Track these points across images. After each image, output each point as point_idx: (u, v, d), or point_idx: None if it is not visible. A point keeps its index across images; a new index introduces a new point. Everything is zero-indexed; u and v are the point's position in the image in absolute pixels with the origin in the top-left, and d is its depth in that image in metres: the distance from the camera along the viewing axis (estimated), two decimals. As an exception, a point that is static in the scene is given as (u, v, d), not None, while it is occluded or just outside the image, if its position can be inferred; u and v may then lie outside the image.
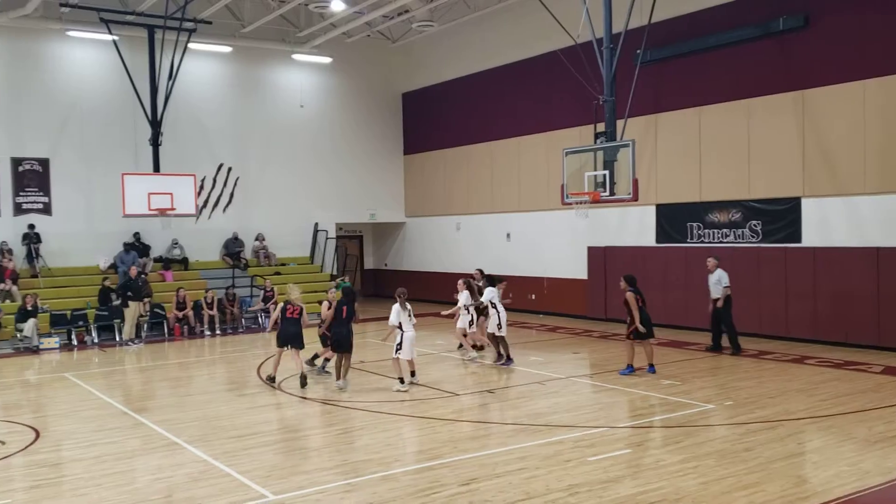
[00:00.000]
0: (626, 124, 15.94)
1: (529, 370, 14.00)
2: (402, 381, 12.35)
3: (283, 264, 24.46)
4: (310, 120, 25.59)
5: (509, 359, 14.38)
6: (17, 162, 21.01)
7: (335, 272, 26.16)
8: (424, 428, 10.17)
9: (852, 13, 15.37)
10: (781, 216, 16.65)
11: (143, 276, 20.16)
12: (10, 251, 20.19)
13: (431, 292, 23.92)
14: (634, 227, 19.67)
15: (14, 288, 19.32)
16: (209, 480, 8.02)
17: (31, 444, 9.62)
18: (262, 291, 21.45)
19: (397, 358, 12.47)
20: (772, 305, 16.63)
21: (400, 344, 12.39)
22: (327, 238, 25.90)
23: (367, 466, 8.38)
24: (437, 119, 26.02)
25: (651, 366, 13.29)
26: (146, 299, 19.43)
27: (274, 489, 7.64)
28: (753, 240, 17.13)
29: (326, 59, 25.16)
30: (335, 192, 26.09)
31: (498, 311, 14.31)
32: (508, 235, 23.39)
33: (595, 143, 15.76)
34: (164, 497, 7.59)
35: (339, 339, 12.44)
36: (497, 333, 14.36)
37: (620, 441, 9.28)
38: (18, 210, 21.02)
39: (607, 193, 15.13)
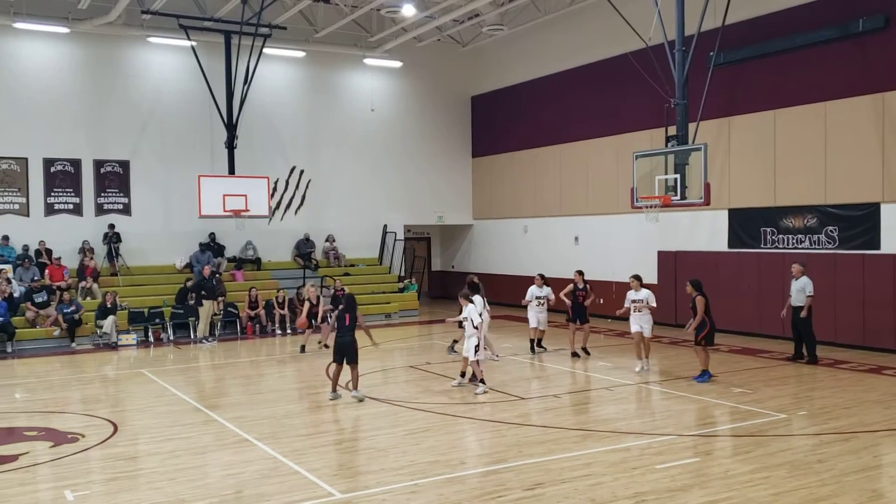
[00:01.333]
0: (697, 127, 15.63)
1: (598, 375, 13.86)
2: (483, 382, 12.32)
3: (353, 265, 24.82)
4: (380, 123, 25.91)
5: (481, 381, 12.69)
6: (99, 164, 21.90)
7: (403, 273, 26.43)
8: (490, 431, 10.18)
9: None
10: (859, 222, 16.06)
11: (216, 275, 20.73)
12: (91, 250, 21.05)
13: (499, 295, 23.88)
14: (706, 232, 19.26)
15: (95, 286, 20.13)
16: (278, 477, 8.21)
17: (109, 437, 10.02)
18: (332, 291, 21.77)
19: (476, 361, 12.37)
20: (849, 314, 16.04)
21: (478, 345, 12.35)
22: (395, 240, 26.16)
23: (433, 468, 8.44)
24: (506, 122, 25.99)
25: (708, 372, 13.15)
26: (220, 298, 19.97)
27: (341, 488, 7.77)
28: (830, 246, 16.57)
29: (397, 63, 25.43)
30: (404, 195, 26.34)
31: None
32: (577, 239, 23.20)
33: (666, 146, 15.50)
34: (234, 493, 7.80)
35: (341, 349, 11.71)
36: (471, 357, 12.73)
37: (689, 449, 9.11)
38: (100, 210, 21.91)
39: (678, 197, 14.86)
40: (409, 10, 20.67)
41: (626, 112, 21.10)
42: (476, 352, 12.34)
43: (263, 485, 7.97)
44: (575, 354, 15.52)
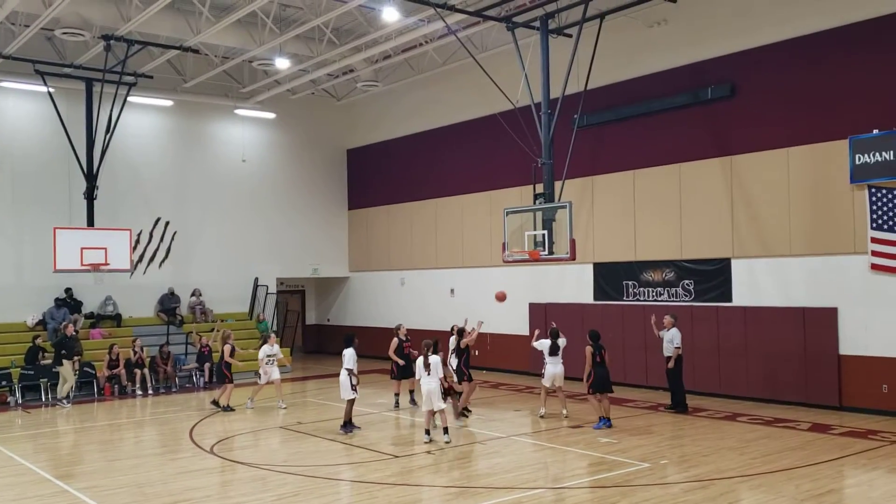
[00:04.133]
0: (563, 185, 16.34)
1: (471, 429, 13.95)
2: (427, 432, 12.71)
3: (221, 320, 23.99)
4: (252, 174, 25.48)
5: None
6: (-58, 214, 20.33)
7: (275, 328, 25.82)
8: (362, 493, 9.99)
9: (776, 84, 16.18)
10: (713, 276, 17.16)
11: (75, 332, 19.49)
12: (-69, 307, 19.36)
13: (375, 348, 23.71)
14: (573, 285, 20.00)
15: (-66, 345, 18.50)
16: (136, 553, 7.72)
17: (-54, 515, 9.15)
18: (198, 348, 20.98)
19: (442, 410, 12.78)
20: (705, 363, 17.01)
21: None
22: (267, 293, 25.58)
23: (303, 535, 8.19)
24: (382, 175, 26.21)
25: (607, 419, 13.77)
26: (76, 357, 18.78)
27: (204, 562, 7.40)
28: (686, 298, 17.58)
29: (270, 115, 25.21)
30: (277, 247, 25.90)
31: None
32: (452, 291, 23.50)
33: (534, 203, 16.10)
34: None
35: None
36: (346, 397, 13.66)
37: (559, 503, 9.29)
38: (-58, 264, 20.26)
39: (546, 252, 15.42)
40: (282, 64, 20.62)
41: (497, 169, 21.78)
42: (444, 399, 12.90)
43: (119, 563, 7.47)
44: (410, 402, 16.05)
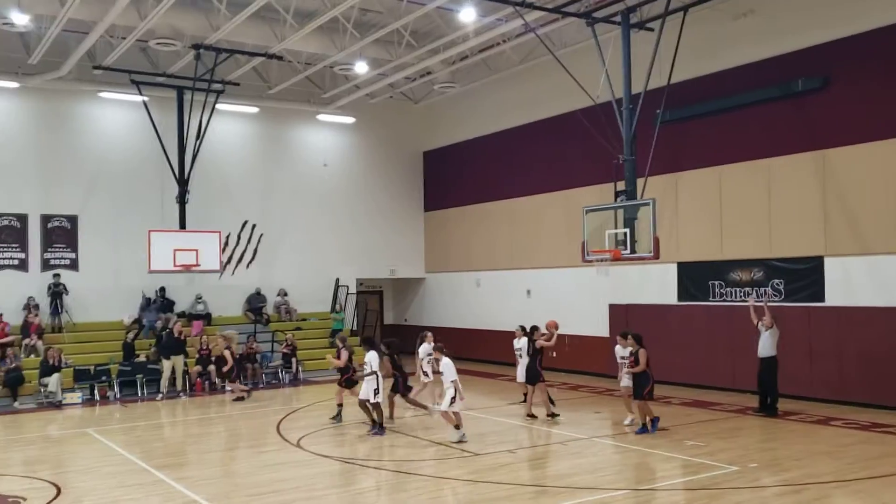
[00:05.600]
0: (646, 183, 16.06)
1: (551, 430, 13.86)
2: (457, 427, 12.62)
3: (304, 319, 24.57)
4: (333, 178, 26.01)
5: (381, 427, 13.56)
6: (46, 219, 21.48)
7: (355, 327, 26.26)
8: (443, 489, 10.06)
9: (872, 73, 15.50)
10: (804, 275, 16.55)
11: (167, 330, 20.25)
12: (36, 306, 20.48)
13: (452, 348, 23.79)
14: (656, 285, 19.61)
15: (39, 343, 19.54)
16: (228, 540, 7.99)
17: (52, 500, 9.64)
18: (284, 345, 21.57)
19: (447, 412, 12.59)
20: (795, 365, 16.39)
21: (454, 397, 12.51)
22: (348, 293, 26.05)
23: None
24: (458, 177, 26.33)
25: (650, 424, 13.27)
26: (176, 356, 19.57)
27: (293, 550, 7.59)
28: (776, 299, 17.00)
29: (350, 119, 25.69)
30: (356, 249, 26.33)
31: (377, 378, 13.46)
32: (529, 292, 23.39)
33: (615, 201, 15.88)
34: (183, 557, 7.56)
35: None
36: (372, 400, 13.37)
37: (643, 504, 9.15)
38: (46, 266, 21.39)
39: (628, 251, 15.18)
40: (361, 68, 20.98)
41: (576, 167, 21.58)
42: (451, 403, 12.49)
43: (213, 549, 7.75)
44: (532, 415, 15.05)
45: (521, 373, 15.13)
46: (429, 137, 27.66)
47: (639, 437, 12.90)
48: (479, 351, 24.23)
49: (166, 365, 18.95)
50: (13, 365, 18.15)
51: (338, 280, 25.79)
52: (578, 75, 17.22)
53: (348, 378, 14.98)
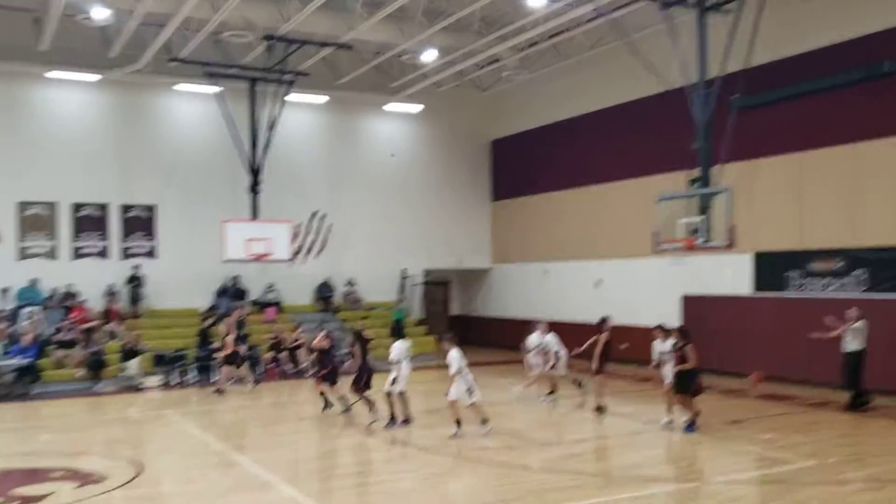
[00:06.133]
0: (721, 170, 15.62)
1: (622, 421, 13.65)
2: (458, 423, 12.13)
3: (371, 308, 24.79)
4: (400, 167, 26.15)
5: (405, 421, 13.07)
6: (125, 208, 22.21)
7: (421, 318, 26.39)
8: (508, 476, 9.99)
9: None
10: (891, 264, 15.82)
11: (241, 318, 20.65)
12: (116, 293, 21.25)
13: (519, 339, 23.72)
14: (730, 276, 19.08)
15: (119, 328, 20.25)
16: (301, 520, 8.12)
17: (133, 479, 9.96)
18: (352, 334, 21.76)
19: (453, 402, 12.19)
20: (881, 359, 15.69)
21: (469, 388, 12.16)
22: (414, 284, 26.17)
23: (457, 512, 8.31)
24: (526, 166, 26.13)
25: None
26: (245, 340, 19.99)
27: (364, 531, 7.67)
28: (860, 290, 16.33)
29: (417, 108, 25.75)
30: (423, 239, 26.42)
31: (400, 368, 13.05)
32: (597, 282, 23.08)
33: (689, 189, 15.50)
34: (258, 535, 7.72)
35: None
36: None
37: (716, 496, 8.91)
38: (125, 254, 22.14)
39: (702, 241, 14.81)
40: (430, 56, 20.98)
41: (648, 155, 21.13)
42: (469, 394, 12.13)
43: (287, 528, 7.89)
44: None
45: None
46: (497, 126, 27.51)
47: (711, 430, 12.57)
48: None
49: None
50: (96, 348, 18.86)
51: (404, 270, 25.95)
52: (651, 60, 16.85)
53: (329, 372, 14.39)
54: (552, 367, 15.33)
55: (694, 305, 19.80)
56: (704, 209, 14.87)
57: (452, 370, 12.15)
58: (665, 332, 13.41)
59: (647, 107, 19.59)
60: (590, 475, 10.02)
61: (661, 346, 13.41)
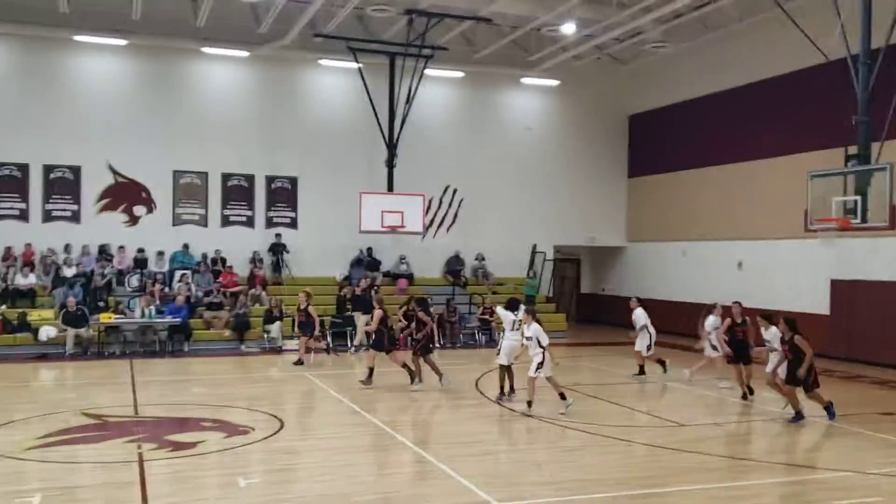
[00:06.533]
0: (882, 146, 14.51)
1: (765, 407, 13.04)
2: (529, 404, 11.86)
3: (500, 284, 24.82)
4: (534, 142, 25.93)
5: (511, 391, 12.89)
6: (270, 180, 23.26)
7: (551, 294, 26.19)
8: (648, 455, 9.79)
9: None
10: None
11: (374, 289, 21.26)
12: (261, 260, 22.37)
13: (654, 320, 23.08)
14: (887, 260, 17.77)
15: (263, 293, 21.28)
16: (434, 480, 8.28)
17: (276, 432, 10.47)
18: (480, 310, 21.93)
19: (534, 378, 11.90)
20: None
21: (541, 363, 11.85)
22: (545, 260, 25.98)
23: (591, 486, 8.21)
24: (666, 141, 25.26)
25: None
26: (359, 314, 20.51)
27: (498, 496, 7.70)
28: None
29: (554, 83, 25.42)
30: (555, 215, 26.15)
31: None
32: (740, 264, 22.09)
33: (846, 166, 14.51)
34: (394, 491, 7.93)
35: None
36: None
37: (871, 488, 8.36)
38: (269, 223, 23.23)
39: (858, 221, 13.84)
40: (569, 29, 20.61)
41: (799, 131, 19.91)
42: (537, 369, 11.81)
43: (420, 486, 8.08)
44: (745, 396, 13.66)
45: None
46: (636, 100, 26.72)
47: (860, 420, 11.80)
48: (683, 324, 23.22)
49: (360, 320, 19.66)
50: (241, 311, 19.92)
51: (534, 246, 25.81)
52: (808, 29, 15.82)
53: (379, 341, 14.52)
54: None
55: (843, 290, 18.64)
56: (862, 187, 13.86)
57: (545, 343, 11.88)
58: (768, 320, 12.55)
59: (800, 80, 18.43)
60: (732, 457, 9.65)
61: (767, 335, 12.56)
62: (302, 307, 17.28)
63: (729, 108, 22.59)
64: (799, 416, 11.60)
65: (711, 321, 14.74)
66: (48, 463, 8.84)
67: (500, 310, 13.55)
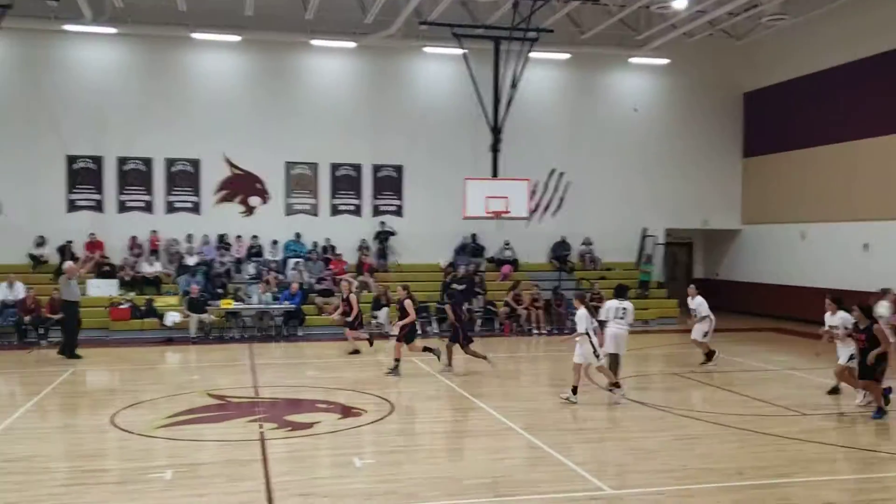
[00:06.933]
0: None
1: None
2: (574, 391, 11.47)
3: (609, 269, 24.37)
4: (642, 123, 25.25)
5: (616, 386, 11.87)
6: (376, 168, 23.65)
7: (663, 279, 25.52)
8: (769, 444, 9.38)
9: None
10: None
11: (476, 275, 21.25)
12: (367, 248, 22.82)
13: (771, 306, 22.22)
14: None
15: (371, 280, 21.71)
16: (545, 467, 8.23)
17: (388, 415, 10.69)
18: (589, 294, 21.59)
19: (579, 365, 11.54)
20: None
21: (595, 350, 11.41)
22: (655, 244, 25.32)
23: (706, 475, 7.98)
24: (785, 119, 24.06)
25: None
26: (474, 298, 20.54)
27: (610, 483, 7.60)
28: None
29: (663, 61, 24.63)
30: (666, 197, 25.40)
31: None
32: (866, 246, 20.84)
33: None
34: (504, 476, 7.93)
35: None
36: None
37: None
38: (376, 211, 23.65)
39: None
40: (680, 5, 19.89)
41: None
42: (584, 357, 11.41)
43: (532, 472, 8.04)
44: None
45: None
46: (751, 77, 25.55)
47: None
48: (803, 310, 22.18)
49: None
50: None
51: (644, 230, 25.18)
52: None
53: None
54: None
55: None
56: None
57: (581, 329, 11.37)
58: (837, 303, 11.68)
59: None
60: (860, 448, 9.15)
61: (830, 320, 11.74)
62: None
63: (856, 80, 21.27)
64: (882, 413, 10.73)
65: (884, 307, 13.66)
66: (177, 440, 9.33)
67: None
